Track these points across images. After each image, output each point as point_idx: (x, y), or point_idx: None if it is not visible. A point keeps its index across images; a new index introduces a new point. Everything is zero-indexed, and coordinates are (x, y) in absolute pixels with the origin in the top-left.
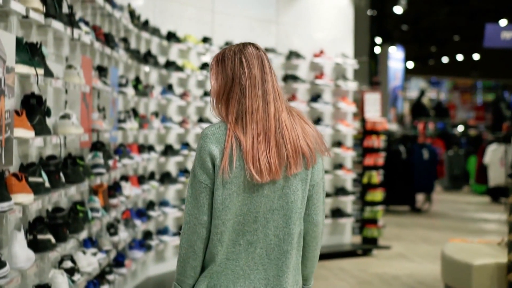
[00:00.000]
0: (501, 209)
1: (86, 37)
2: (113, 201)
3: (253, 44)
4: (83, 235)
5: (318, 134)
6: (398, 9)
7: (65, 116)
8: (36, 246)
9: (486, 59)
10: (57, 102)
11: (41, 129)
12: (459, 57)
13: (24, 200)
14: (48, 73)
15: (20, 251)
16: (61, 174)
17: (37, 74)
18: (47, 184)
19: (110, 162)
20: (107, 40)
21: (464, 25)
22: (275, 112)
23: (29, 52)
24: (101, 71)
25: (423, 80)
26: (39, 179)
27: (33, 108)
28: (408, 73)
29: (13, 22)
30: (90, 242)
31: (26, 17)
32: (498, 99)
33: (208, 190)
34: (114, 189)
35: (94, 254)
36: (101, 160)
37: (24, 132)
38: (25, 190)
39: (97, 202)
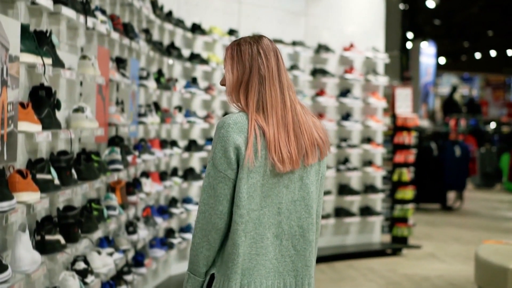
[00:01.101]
0: None
1: (101, 27)
2: (132, 198)
3: (266, 37)
4: (98, 234)
5: (324, 128)
6: (430, 3)
7: (78, 110)
8: (43, 247)
9: None
10: (70, 95)
11: (49, 123)
12: (492, 53)
13: (29, 199)
14: (58, 63)
15: (25, 254)
16: (73, 171)
17: (44, 64)
18: (56, 181)
19: (129, 158)
20: (126, 30)
21: (498, 20)
22: (291, 103)
23: (36, 40)
24: (120, 62)
25: (454, 76)
26: (48, 176)
27: (42, 101)
28: (439, 69)
29: (21, 9)
30: (106, 242)
31: (34, 3)
32: None
33: (227, 181)
34: (133, 185)
35: (110, 254)
36: (118, 156)
37: (29, 126)
38: (30, 188)
39: (114, 199)
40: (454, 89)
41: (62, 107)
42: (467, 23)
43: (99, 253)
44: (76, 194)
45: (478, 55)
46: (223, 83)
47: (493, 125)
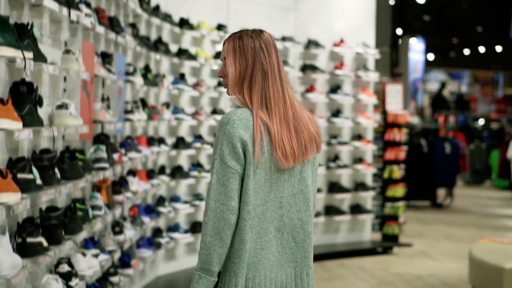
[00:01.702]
0: None
1: (86, 20)
2: (118, 197)
3: (266, 31)
4: (82, 235)
5: (317, 122)
6: None
7: (62, 106)
8: (25, 250)
9: (509, 51)
10: (54, 91)
11: (31, 120)
12: (481, 49)
13: (9, 200)
14: (40, 58)
15: (4, 257)
16: (56, 170)
17: (24, 58)
18: (38, 181)
19: (116, 156)
20: (112, 24)
21: (489, 16)
22: (290, 100)
23: (17, 33)
24: (105, 57)
25: (442, 72)
26: (29, 176)
27: (23, 97)
28: (428, 65)
29: (0, 0)
30: (91, 243)
31: None
32: None
33: (237, 176)
34: (119, 184)
35: (96, 255)
36: (103, 154)
37: (8, 123)
38: (10, 188)
39: (100, 199)
40: (443, 85)
41: (45, 103)
42: (457, 19)
43: (83, 254)
44: (59, 194)
45: (467, 51)
46: (220, 74)
47: (481, 121)
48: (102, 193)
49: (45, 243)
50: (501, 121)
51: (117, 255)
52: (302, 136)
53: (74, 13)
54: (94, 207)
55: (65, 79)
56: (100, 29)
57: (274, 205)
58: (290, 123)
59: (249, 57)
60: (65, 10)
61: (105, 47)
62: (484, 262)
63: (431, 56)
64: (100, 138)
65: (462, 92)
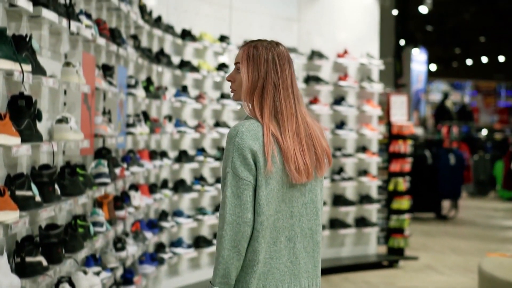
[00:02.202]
0: None
1: (86, 31)
2: (120, 213)
3: (281, 45)
4: (84, 253)
5: (325, 135)
6: (423, 9)
7: (62, 120)
8: (23, 270)
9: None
10: (53, 104)
11: (29, 135)
12: (484, 59)
13: (7, 219)
14: (39, 71)
15: (2, 279)
16: (56, 186)
17: (22, 71)
18: (38, 198)
19: (117, 171)
20: (113, 36)
21: (491, 26)
22: (302, 116)
23: (14, 45)
24: (107, 70)
25: (444, 83)
26: (28, 193)
27: (21, 111)
28: (430, 75)
29: None
30: (93, 260)
31: (13, 5)
32: None
33: (251, 187)
34: (121, 200)
35: (97, 273)
36: (105, 169)
37: (6, 138)
38: (8, 206)
39: (101, 215)
40: (445, 96)
41: (44, 117)
42: (460, 29)
43: (85, 272)
44: (59, 211)
45: (469, 62)
46: (229, 79)
47: (484, 132)
48: (103, 209)
49: (44, 263)
50: (504, 131)
51: (119, 272)
52: (313, 152)
53: (74, 25)
54: (95, 224)
55: (65, 92)
56: (101, 41)
57: (285, 215)
58: (303, 139)
59: (262, 68)
60: (64, 22)
61: (106, 59)
62: (495, 277)
63: (433, 67)
64: (102, 153)
65: (465, 102)
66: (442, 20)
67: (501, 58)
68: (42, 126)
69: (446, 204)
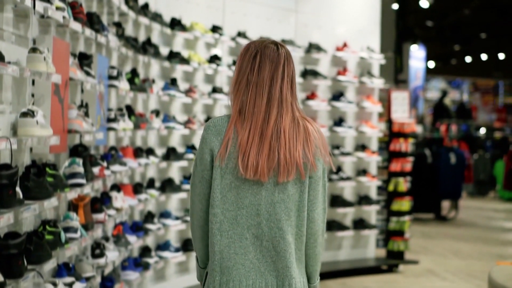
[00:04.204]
0: None
1: (57, 14)
2: (99, 216)
3: (278, 45)
4: (51, 263)
5: (323, 142)
6: (424, 3)
7: (27, 114)
8: None
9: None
10: (18, 96)
11: None
12: (483, 57)
13: None
14: None
15: None
16: (18, 189)
17: None
18: None
19: (96, 170)
20: (91, 21)
21: (493, 22)
22: (276, 118)
23: None
24: (84, 59)
25: (442, 80)
26: None
27: None
28: (428, 73)
29: None
30: (65, 270)
31: None
32: None
33: (204, 181)
34: (100, 201)
35: (70, 284)
36: (79, 168)
37: None
38: None
39: (75, 219)
40: (444, 93)
41: (8, 110)
42: (460, 25)
43: (54, 285)
44: (21, 217)
45: (468, 59)
46: None
47: (483, 130)
48: (78, 213)
49: (0, 278)
50: (504, 130)
51: (96, 281)
52: (276, 155)
53: (41, 5)
54: (67, 229)
55: (33, 82)
56: (76, 26)
57: (249, 212)
58: (266, 140)
59: (243, 65)
60: (29, 1)
61: (85, 48)
62: None
63: (431, 64)
64: (78, 150)
65: (464, 100)
66: (443, 15)
67: (501, 56)
68: (4, 120)
69: (445, 204)
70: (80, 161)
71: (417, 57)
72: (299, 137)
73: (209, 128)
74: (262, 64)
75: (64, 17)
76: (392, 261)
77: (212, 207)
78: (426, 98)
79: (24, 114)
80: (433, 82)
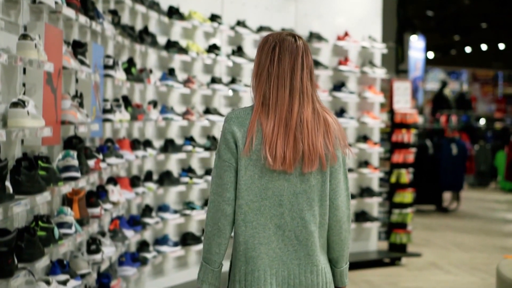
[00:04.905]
0: None
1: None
2: (94, 210)
3: (296, 37)
4: (44, 261)
5: (342, 133)
6: None
7: (17, 104)
8: None
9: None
10: (9, 85)
11: None
12: (483, 47)
13: None
14: None
15: None
16: (8, 183)
17: None
18: None
19: (91, 163)
20: (85, 8)
21: (493, 12)
22: (299, 109)
23: None
24: (78, 47)
25: (442, 71)
26: None
27: None
28: (427, 63)
29: None
30: (59, 267)
31: None
32: None
33: (232, 169)
34: (96, 195)
35: (64, 282)
36: (74, 161)
37: None
38: None
39: (70, 214)
40: (444, 84)
41: None
42: (460, 15)
43: (47, 283)
44: (12, 213)
45: (468, 49)
46: None
47: (482, 121)
48: (73, 207)
49: None
50: (504, 121)
51: (92, 278)
52: (300, 147)
53: None
54: (61, 225)
55: (24, 71)
56: (69, 12)
57: (272, 203)
58: (291, 131)
59: (263, 57)
60: None
61: (79, 36)
62: None
63: (430, 54)
64: (72, 142)
65: (464, 91)
66: (443, 5)
67: (501, 46)
68: None
69: (447, 196)
70: (74, 153)
71: (417, 47)
72: (320, 128)
73: (231, 120)
74: (281, 56)
75: (56, 3)
76: (395, 254)
77: (237, 198)
78: (425, 89)
79: (15, 104)
80: (432, 73)
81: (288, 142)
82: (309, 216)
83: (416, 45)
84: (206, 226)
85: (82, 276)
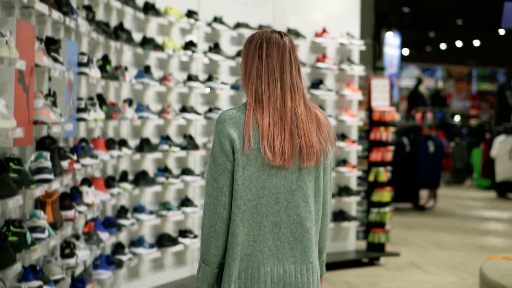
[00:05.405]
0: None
1: None
2: (69, 213)
3: (282, 34)
4: (16, 268)
5: (330, 128)
6: None
7: None
8: None
9: (486, 46)
10: None
11: None
12: (458, 44)
13: None
14: None
15: None
16: None
17: None
18: None
19: (65, 164)
20: (58, 3)
21: (469, 9)
22: (291, 103)
23: None
24: (51, 44)
25: (416, 68)
26: None
27: None
28: (402, 60)
29: None
30: (32, 273)
31: None
32: (504, 87)
33: (227, 172)
34: (70, 197)
35: None
36: (47, 162)
37: None
38: None
39: (42, 218)
40: (419, 81)
41: None
42: (436, 11)
43: None
44: None
45: (443, 46)
46: None
47: (457, 118)
48: (46, 210)
49: None
50: (480, 117)
51: (66, 283)
52: (297, 141)
53: None
54: (34, 229)
55: None
56: (42, 8)
57: (269, 200)
58: (286, 126)
59: (250, 55)
60: None
61: (53, 32)
62: (503, 286)
63: (405, 51)
64: (45, 143)
65: (439, 88)
66: (419, 1)
67: (476, 43)
68: None
69: (423, 193)
70: (47, 154)
71: (392, 44)
72: (312, 123)
73: (225, 121)
74: (269, 52)
75: None
76: (373, 253)
77: (235, 199)
78: (400, 86)
79: None
80: (407, 69)
81: (285, 136)
82: (305, 213)
83: (392, 42)
84: (203, 229)
85: (56, 281)
